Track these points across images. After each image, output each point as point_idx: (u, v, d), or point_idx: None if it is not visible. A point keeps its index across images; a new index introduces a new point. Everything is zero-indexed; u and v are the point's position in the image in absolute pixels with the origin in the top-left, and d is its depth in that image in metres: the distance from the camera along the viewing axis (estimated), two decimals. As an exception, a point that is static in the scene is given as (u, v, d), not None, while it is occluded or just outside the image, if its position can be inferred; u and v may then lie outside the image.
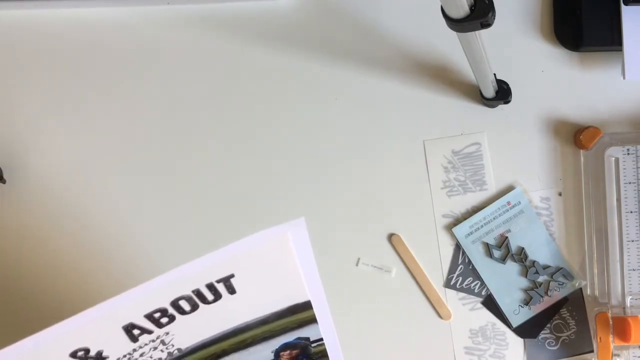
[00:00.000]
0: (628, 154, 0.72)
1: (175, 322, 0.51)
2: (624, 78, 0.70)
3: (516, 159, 0.74)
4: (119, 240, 0.73)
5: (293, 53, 0.73)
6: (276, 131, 0.74)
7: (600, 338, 0.70)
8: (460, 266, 0.73)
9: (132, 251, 0.73)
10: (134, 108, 0.73)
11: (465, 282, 0.73)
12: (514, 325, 0.73)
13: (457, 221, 0.73)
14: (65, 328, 0.48)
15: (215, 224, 0.73)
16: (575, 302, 0.73)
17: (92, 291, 0.73)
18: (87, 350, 0.49)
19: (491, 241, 0.73)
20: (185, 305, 0.50)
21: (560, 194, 0.74)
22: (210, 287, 0.49)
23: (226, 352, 0.56)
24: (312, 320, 0.57)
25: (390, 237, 0.73)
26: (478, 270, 0.73)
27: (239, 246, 0.47)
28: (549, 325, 0.73)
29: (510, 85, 0.71)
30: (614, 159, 0.72)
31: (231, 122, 0.73)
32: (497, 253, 0.73)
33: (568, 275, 0.73)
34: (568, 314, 0.73)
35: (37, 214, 0.73)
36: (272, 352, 0.58)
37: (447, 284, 0.73)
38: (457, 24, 0.49)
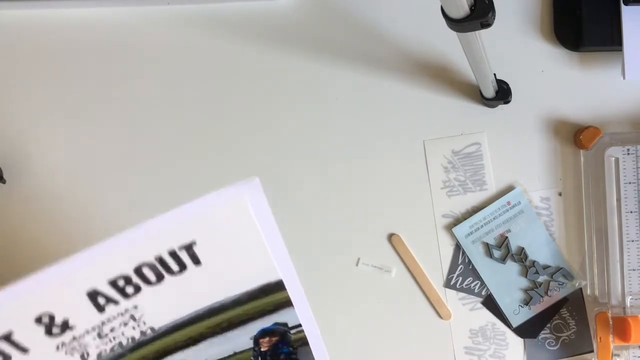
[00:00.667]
0: (628, 154, 0.72)
1: (142, 293, 0.50)
2: (624, 78, 0.70)
3: (516, 159, 0.74)
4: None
5: (293, 53, 0.73)
6: (276, 131, 0.74)
7: (600, 338, 0.70)
8: (460, 266, 0.73)
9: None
10: (134, 108, 0.73)
11: (465, 282, 0.73)
12: (514, 325, 0.73)
13: (457, 221, 0.73)
14: (25, 287, 0.47)
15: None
16: (575, 302, 0.73)
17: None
18: (52, 317, 0.49)
19: (491, 241, 0.73)
20: (150, 274, 0.49)
21: (560, 194, 0.74)
22: (173, 254, 0.49)
23: (203, 337, 0.56)
24: (288, 303, 0.56)
25: (390, 237, 0.73)
26: (478, 270, 0.73)
27: (194, 207, 0.47)
28: (549, 325, 0.73)
29: (510, 85, 0.71)
30: (614, 159, 0.72)
31: (231, 122, 0.73)
32: (497, 253, 0.73)
33: (568, 275, 0.73)
34: (568, 314, 0.73)
35: (37, 214, 0.73)
36: (250, 338, 0.57)
37: (447, 284, 0.73)
38: (457, 24, 0.49)
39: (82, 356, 0.53)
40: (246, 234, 0.51)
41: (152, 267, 0.49)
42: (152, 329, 0.54)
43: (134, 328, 0.53)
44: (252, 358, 0.58)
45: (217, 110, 0.73)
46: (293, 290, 0.55)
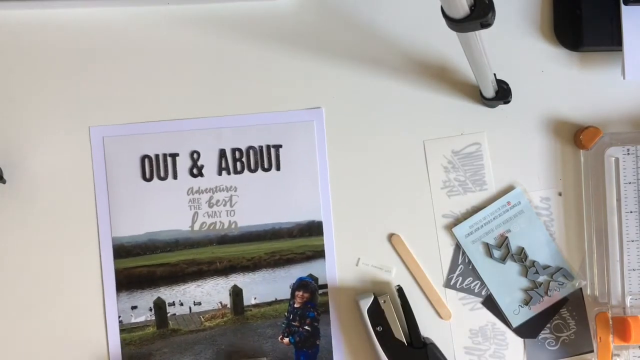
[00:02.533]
0: (628, 154, 0.72)
1: (242, 176, 0.71)
2: (624, 78, 0.70)
3: (516, 159, 0.74)
4: (119, 240, 0.73)
5: (293, 53, 0.73)
6: (276, 131, 0.74)
7: (600, 338, 0.70)
8: (460, 266, 0.73)
9: (132, 251, 0.73)
10: (134, 107, 0.73)
11: (465, 282, 0.73)
12: (514, 325, 0.73)
13: (457, 221, 0.73)
14: (182, 126, 0.72)
15: (215, 224, 0.73)
16: (575, 302, 0.73)
17: (92, 290, 0.73)
18: (198, 155, 0.71)
19: (491, 241, 0.73)
20: (252, 160, 0.71)
21: (560, 194, 0.74)
22: (268, 149, 0.71)
23: (260, 265, 0.73)
24: (322, 253, 0.73)
25: (390, 237, 0.73)
26: (478, 270, 0.73)
27: (282, 116, 0.72)
28: (549, 325, 0.73)
29: (510, 85, 0.71)
30: (614, 159, 0.72)
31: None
32: (497, 253, 0.73)
33: (568, 275, 0.73)
34: (568, 314, 0.73)
35: (37, 214, 0.73)
36: (289, 286, 0.73)
37: (447, 284, 0.73)
38: (457, 24, 0.49)
39: (194, 216, 0.72)
40: (308, 160, 0.72)
41: (255, 153, 0.71)
42: (235, 224, 0.72)
43: (227, 214, 0.72)
44: (286, 313, 0.73)
45: (217, 110, 0.73)
46: (327, 239, 0.73)
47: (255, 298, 0.72)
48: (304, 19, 0.74)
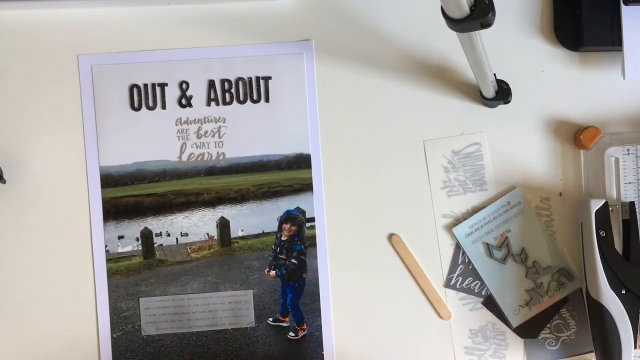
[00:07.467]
0: (628, 154, 0.72)
1: (232, 107, 0.71)
2: (624, 78, 0.70)
3: (516, 159, 0.74)
4: (119, 240, 0.73)
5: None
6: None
7: (600, 338, 0.70)
8: (460, 266, 0.73)
9: (132, 251, 0.73)
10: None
11: (465, 282, 0.73)
12: (514, 325, 0.73)
13: (457, 221, 0.73)
14: (170, 55, 0.71)
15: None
16: (575, 302, 0.73)
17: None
18: (187, 85, 0.71)
19: (491, 241, 0.73)
20: (240, 91, 0.71)
21: (560, 194, 0.74)
22: (257, 80, 0.71)
23: (247, 197, 0.72)
24: (310, 186, 0.72)
25: (390, 237, 0.73)
26: (478, 270, 0.73)
27: (272, 48, 0.72)
28: (549, 325, 0.73)
29: (510, 85, 0.71)
30: (614, 159, 0.72)
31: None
32: (497, 253, 0.73)
33: (568, 275, 0.73)
34: (568, 314, 0.73)
35: (37, 214, 0.73)
36: (277, 219, 0.72)
37: (447, 284, 0.73)
38: (457, 24, 0.49)
39: (182, 146, 0.71)
40: (297, 92, 0.72)
41: (244, 85, 0.71)
42: (223, 155, 0.72)
43: (215, 145, 0.71)
44: (273, 246, 0.72)
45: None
46: (316, 172, 0.72)
47: (242, 230, 0.72)
48: (304, 19, 0.73)
